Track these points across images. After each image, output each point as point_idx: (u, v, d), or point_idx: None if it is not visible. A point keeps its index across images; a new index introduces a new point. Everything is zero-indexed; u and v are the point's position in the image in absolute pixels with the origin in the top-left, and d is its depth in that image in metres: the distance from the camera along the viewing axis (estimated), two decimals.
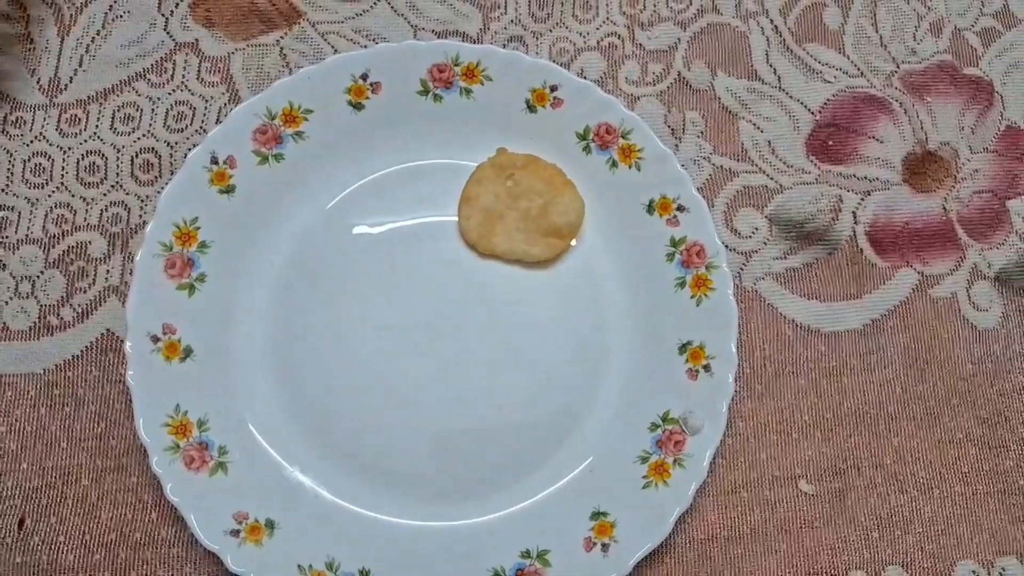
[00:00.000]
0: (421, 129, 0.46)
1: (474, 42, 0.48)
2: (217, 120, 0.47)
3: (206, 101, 0.47)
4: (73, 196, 0.45)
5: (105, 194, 0.45)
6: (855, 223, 0.47)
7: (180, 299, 0.42)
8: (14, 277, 0.44)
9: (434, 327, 0.44)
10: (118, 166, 0.46)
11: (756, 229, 0.47)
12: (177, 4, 0.48)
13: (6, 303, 0.44)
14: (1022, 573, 0.43)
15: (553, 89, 0.45)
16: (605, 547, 0.40)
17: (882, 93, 0.49)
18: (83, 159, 0.46)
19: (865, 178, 0.48)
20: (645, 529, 0.41)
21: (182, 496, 0.40)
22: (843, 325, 0.46)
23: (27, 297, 0.44)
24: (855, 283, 0.46)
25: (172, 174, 0.45)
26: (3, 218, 0.45)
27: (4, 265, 0.44)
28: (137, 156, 0.46)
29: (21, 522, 0.41)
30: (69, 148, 0.46)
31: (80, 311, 0.44)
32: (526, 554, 0.41)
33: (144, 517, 0.42)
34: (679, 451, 0.42)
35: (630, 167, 0.45)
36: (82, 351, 0.43)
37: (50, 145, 0.46)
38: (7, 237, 0.45)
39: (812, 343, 0.45)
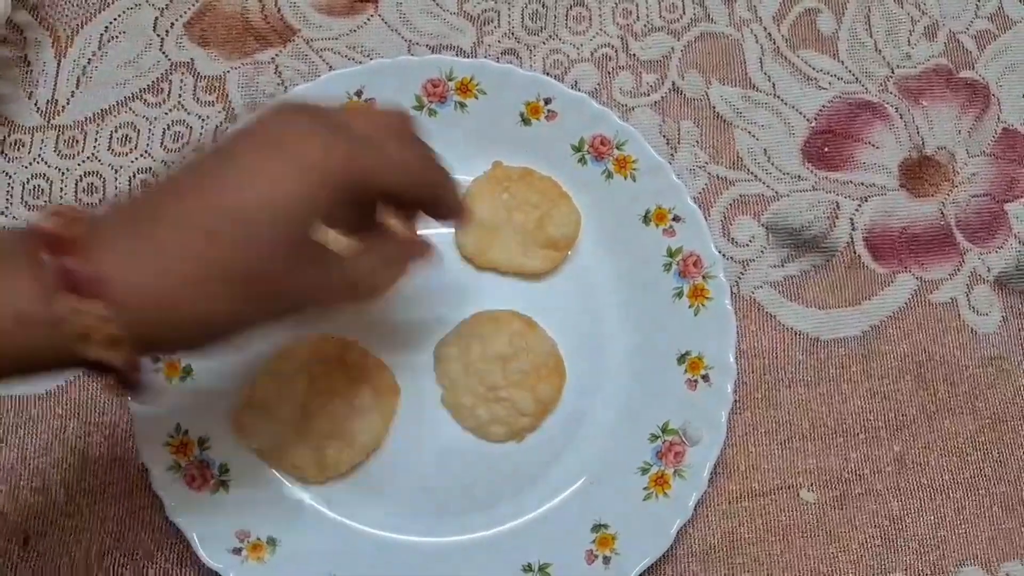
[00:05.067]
0: None
1: (468, 56, 0.48)
2: (214, 139, 0.47)
3: (203, 120, 0.47)
4: None
5: None
6: (853, 229, 0.47)
7: None
8: None
9: (432, 340, 0.44)
10: (116, 186, 0.46)
11: (753, 237, 0.47)
12: (172, 24, 0.49)
13: None
14: None
15: (547, 102, 0.45)
16: (607, 560, 0.40)
17: (877, 98, 0.49)
18: (81, 180, 0.46)
19: (862, 184, 0.48)
20: (646, 541, 0.41)
21: (184, 515, 0.40)
22: (842, 332, 0.46)
23: None
24: (854, 290, 0.46)
25: None
26: None
27: None
28: (135, 176, 0.46)
29: (25, 540, 0.42)
30: (68, 169, 0.46)
31: None
32: (528, 568, 0.41)
33: (147, 535, 0.42)
34: (679, 462, 0.42)
35: (625, 178, 0.45)
36: (83, 371, 0.44)
37: (49, 167, 0.46)
38: None
39: (811, 351, 0.45)
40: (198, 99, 0.48)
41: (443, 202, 0.36)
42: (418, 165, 0.34)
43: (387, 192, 0.33)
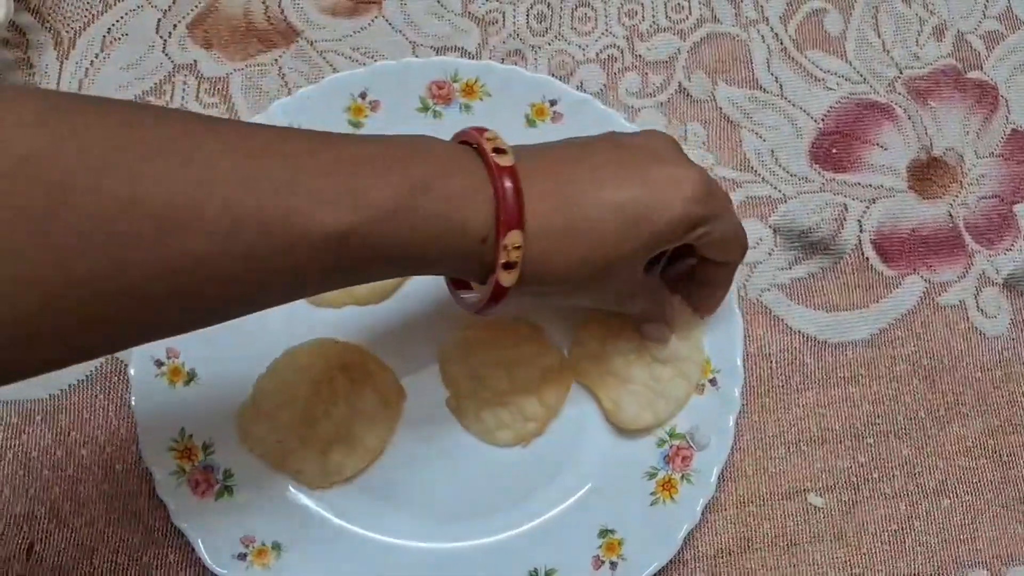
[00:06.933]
0: None
1: (473, 57, 0.48)
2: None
3: None
4: None
5: None
6: (860, 231, 0.47)
7: None
8: None
9: (437, 344, 0.44)
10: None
11: (761, 240, 0.47)
12: (175, 25, 0.48)
13: None
14: None
15: (553, 103, 0.45)
16: (614, 565, 0.40)
17: (885, 99, 0.49)
18: None
19: (870, 186, 0.48)
20: (654, 546, 0.40)
21: (188, 521, 0.40)
22: (850, 335, 0.45)
23: None
24: (862, 292, 0.46)
25: None
26: None
27: None
28: None
29: (30, 548, 0.41)
30: None
31: None
32: (534, 573, 0.40)
33: (151, 541, 0.42)
34: (687, 467, 0.41)
35: None
36: (87, 376, 0.43)
37: None
38: None
39: (819, 354, 0.45)
40: (201, 101, 0.47)
41: (728, 280, 0.40)
42: (742, 239, 0.38)
43: (709, 246, 0.37)
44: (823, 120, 0.48)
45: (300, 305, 0.44)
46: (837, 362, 0.45)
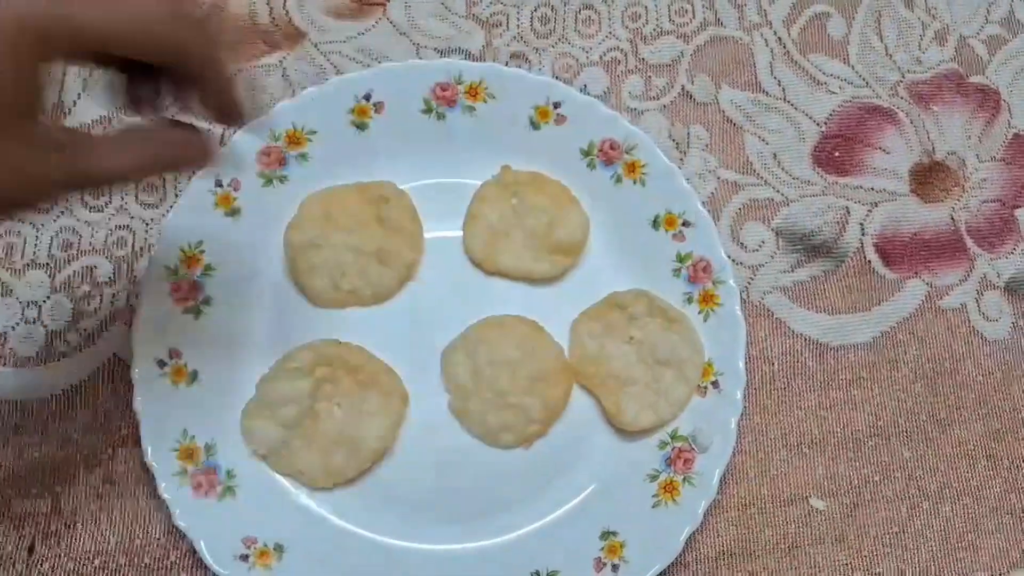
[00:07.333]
0: (425, 148, 0.45)
1: (476, 59, 0.48)
2: (222, 142, 0.47)
3: (210, 123, 0.47)
4: (78, 220, 0.45)
5: (110, 218, 0.45)
6: (863, 235, 0.47)
7: (186, 323, 0.42)
8: (20, 302, 0.44)
9: (440, 345, 0.44)
10: (123, 191, 0.46)
11: (763, 242, 0.47)
12: None
13: (13, 328, 0.44)
14: None
15: (556, 106, 0.45)
16: (615, 567, 0.40)
17: (888, 103, 0.49)
18: None
19: (872, 189, 0.48)
20: (655, 548, 0.40)
21: (191, 521, 0.40)
22: (852, 338, 0.45)
23: (34, 322, 0.44)
24: (864, 295, 0.46)
25: (176, 197, 0.45)
26: (9, 243, 0.45)
27: (10, 290, 0.44)
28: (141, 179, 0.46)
29: (31, 548, 0.41)
30: None
31: (87, 336, 0.44)
32: (536, 575, 0.40)
33: (153, 542, 0.42)
34: (688, 469, 0.41)
35: (635, 182, 0.45)
36: (89, 376, 0.43)
37: None
38: (13, 262, 0.45)
39: (821, 357, 0.45)
40: None
41: (216, 74, 0.30)
42: (151, 13, 0.27)
43: (109, 44, 0.27)
44: (826, 124, 0.49)
45: (303, 306, 0.44)
46: (839, 365, 0.45)
